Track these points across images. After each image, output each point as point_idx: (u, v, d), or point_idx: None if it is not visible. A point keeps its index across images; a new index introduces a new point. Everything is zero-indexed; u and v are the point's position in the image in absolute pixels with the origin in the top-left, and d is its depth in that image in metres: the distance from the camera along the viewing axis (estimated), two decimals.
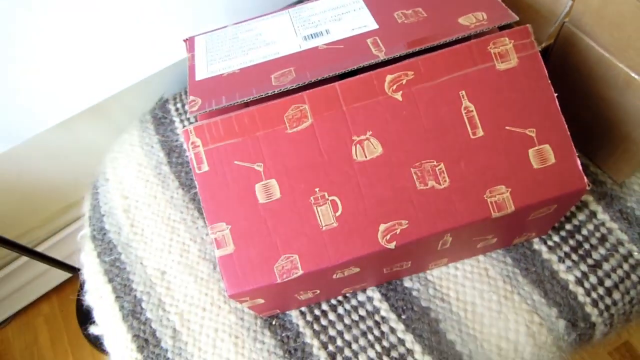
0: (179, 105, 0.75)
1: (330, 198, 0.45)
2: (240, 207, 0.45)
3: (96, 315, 0.62)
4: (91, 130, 0.91)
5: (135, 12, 0.69)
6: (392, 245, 0.44)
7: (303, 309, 0.57)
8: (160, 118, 0.75)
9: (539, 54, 0.46)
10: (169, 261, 0.62)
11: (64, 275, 1.07)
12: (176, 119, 0.74)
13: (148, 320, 0.59)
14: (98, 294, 0.62)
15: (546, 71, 0.46)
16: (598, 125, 0.56)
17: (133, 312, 0.59)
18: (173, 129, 0.73)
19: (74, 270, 0.89)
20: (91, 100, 0.78)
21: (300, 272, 0.44)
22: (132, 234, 0.65)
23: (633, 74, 0.48)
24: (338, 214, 0.44)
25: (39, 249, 0.98)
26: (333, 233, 0.44)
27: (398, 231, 0.44)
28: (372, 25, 0.52)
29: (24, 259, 0.97)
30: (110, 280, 0.62)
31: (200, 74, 0.52)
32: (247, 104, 0.47)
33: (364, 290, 0.58)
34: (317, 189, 0.45)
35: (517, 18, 0.48)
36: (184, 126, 0.73)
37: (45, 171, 0.90)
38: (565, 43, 0.54)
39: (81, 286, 0.65)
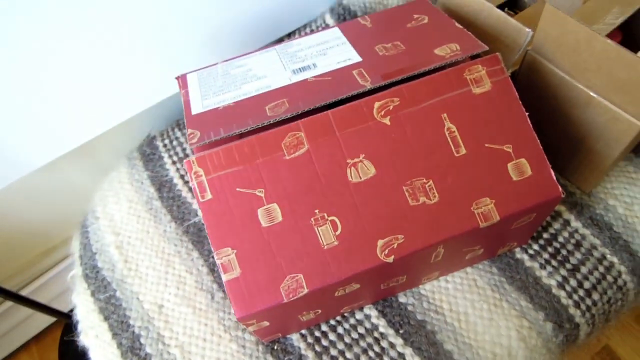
0: (166, 141, 0.77)
1: (330, 218, 0.47)
2: (245, 232, 0.47)
3: (93, 355, 0.61)
4: (76, 171, 0.91)
5: (120, 53, 0.71)
6: (390, 259, 0.47)
7: (304, 331, 0.59)
8: (149, 154, 0.76)
9: (509, 78, 0.51)
10: (165, 294, 0.62)
11: (44, 322, 1.03)
12: (165, 155, 0.75)
13: (148, 355, 0.59)
14: (94, 333, 0.61)
15: (516, 94, 0.51)
16: (564, 141, 0.62)
17: (132, 348, 0.59)
18: (162, 165, 0.74)
19: (59, 314, 0.87)
20: (77, 141, 0.78)
21: (306, 290, 0.46)
22: (127, 270, 0.65)
23: (592, 93, 0.54)
24: (338, 232, 0.47)
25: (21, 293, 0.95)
26: (335, 251, 0.46)
27: (395, 245, 0.47)
28: (356, 58, 0.57)
29: (3, 306, 0.94)
30: (107, 318, 0.62)
31: (196, 108, 0.55)
32: (242, 135, 0.50)
33: (361, 309, 0.60)
34: (316, 211, 0.47)
35: (486, 47, 0.53)
36: (172, 162, 0.74)
37: (27, 214, 0.89)
38: (529, 69, 0.60)
39: (73, 328, 0.64)
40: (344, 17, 0.80)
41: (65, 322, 1.00)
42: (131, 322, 0.61)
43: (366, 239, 0.47)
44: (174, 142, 0.77)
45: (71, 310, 0.94)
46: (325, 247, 0.46)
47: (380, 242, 0.47)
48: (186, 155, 0.75)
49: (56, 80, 0.68)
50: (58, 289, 0.96)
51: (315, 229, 0.47)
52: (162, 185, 0.72)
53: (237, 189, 0.47)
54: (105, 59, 0.70)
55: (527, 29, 0.58)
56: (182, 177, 0.72)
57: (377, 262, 0.46)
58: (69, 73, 0.68)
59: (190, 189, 0.71)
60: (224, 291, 0.62)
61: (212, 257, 0.64)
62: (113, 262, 0.66)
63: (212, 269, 0.63)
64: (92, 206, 0.73)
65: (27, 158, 0.75)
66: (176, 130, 0.78)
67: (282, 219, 0.47)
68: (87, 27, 0.63)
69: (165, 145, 0.77)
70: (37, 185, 0.87)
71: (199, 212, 0.68)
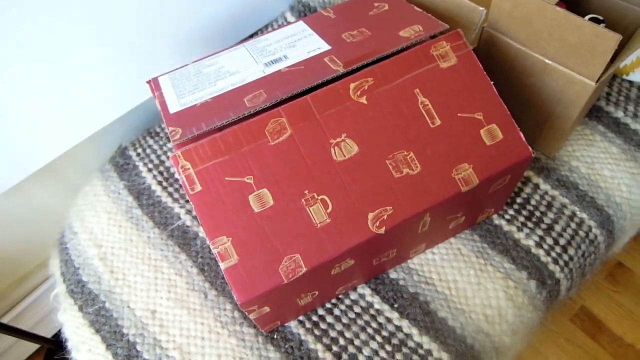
0: (139, 150, 0.76)
1: (320, 197, 0.48)
2: (238, 219, 0.47)
3: None
4: (42, 192, 0.88)
5: (82, 65, 0.69)
6: (382, 230, 0.48)
7: (301, 318, 0.59)
8: (123, 165, 0.75)
9: (472, 51, 0.54)
10: (157, 299, 0.61)
11: (27, 351, 0.99)
12: (139, 164, 0.74)
13: None
14: (86, 348, 0.60)
15: (480, 65, 0.54)
16: (526, 109, 0.66)
17: (129, 356, 0.58)
18: (138, 173, 0.73)
19: (42, 340, 0.83)
20: (41, 161, 0.76)
21: (304, 269, 0.46)
22: (114, 280, 0.63)
23: (547, 60, 0.58)
24: (329, 210, 0.48)
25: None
26: (328, 228, 0.48)
27: (385, 217, 0.49)
28: (325, 47, 0.59)
29: None
30: (98, 331, 0.60)
31: (174, 107, 0.55)
32: (224, 128, 0.50)
33: (355, 289, 0.61)
34: (306, 191, 0.48)
35: (447, 26, 0.57)
36: (148, 169, 0.74)
37: None
38: (487, 44, 0.63)
39: (63, 347, 0.62)
40: (304, 13, 0.82)
41: (48, 348, 0.96)
42: (125, 330, 0.60)
43: (357, 213, 0.48)
44: (147, 150, 0.76)
45: (55, 335, 0.91)
46: (319, 225, 0.48)
47: (370, 215, 0.48)
48: (161, 162, 0.74)
49: (14, 98, 0.65)
50: (38, 314, 0.92)
51: (307, 209, 0.48)
52: (141, 193, 0.71)
53: (226, 178, 0.48)
54: (66, 73, 0.68)
55: (481, 8, 0.62)
56: (159, 183, 0.72)
57: (370, 234, 0.48)
58: (28, 89, 0.66)
59: (169, 194, 0.70)
60: (216, 289, 0.62)
61: (201, 257, 0.64)
62: (98, 274, 0.64)
63: (202, 269, 0.63)
64: (68, 223, 0.72)
65: None
66: (148, 138, 0.78)
67: (273, 203, 0.48)
68: (44, 41, 0.62)
69: (138, 154, 0.76)
70: (3, 211, 0.84)
71: (182, 215, 0.68)
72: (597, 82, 0.55)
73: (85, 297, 0.63)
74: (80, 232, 0.69)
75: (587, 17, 0.62)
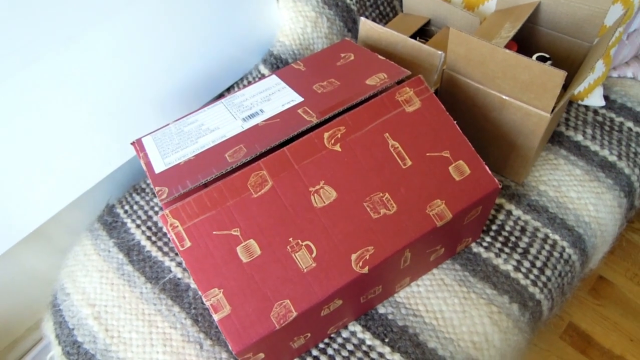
0: (126, 207, 0.78)
1: (304, 243, 0.51)
2: (228, 271, 0.49)
3: None
4: (30, 256, 0.89)
5: (66, 130, 0.71)
6: (365, 270, 0.51)
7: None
8: (111, 223, 0.77)
9: (434, 95, 0.59)
10: (153, 354, 0.62)
11: None
12: (127, 220, 0.76)
13: None
14: None
15: (443, 106, 0.58)
16: (490, 142, 0.70)
17: None
18: (126, 230, 0.75)
19: None
20: (29, 227, 0.77)
21: (295, 313, 0.49)
22: (109, 339, 0.64)
23: (504, 97, 0.63)
24: (314, 255, 0.51)
25: None
26: (314, 272, 0.50)
27: (367, 257, 0.51)
28: (298, 99, 0.63)
29: None
30: None
31: (159, 167, 0.58)
32: (208, 184, 0.53)
33: (346, 327, 0.63)
34: (290, 239, 0.51)
35: (409, 72, 0.61)
36: (136, 225, 0.76)
37: None
38: (448, 84, 0.68)
39: None
40: (277, 65, 0.87)
41: None
42: None
43: (340, 255, 0.51)
44: (135, 207, 0.78)
45: None
46: (305, 270, 0.50)
47: (353, 256, 0.51)
48: (149, 217, 0.76)
49: (2, 167, 0.67)
50: None
51: (293, 255, 0.51)
52: (131, 250, 0.72)
53: (214, 232, 0.50)
54: (51, 138, 0.69)
55: (439, 52, 0.67)
56: (148, 238, 0.73)
57: (355, 275, 0.50)
58: (14, 156, 0.67)
59: (159, 248, 0.72)
60: (211, 339, 0.63)
61: (194, 308, 0.66)
62: (93, 334, 0.65)
63: (196, 320, 0.64)
64: (60, 284, 0.73)
65: None
66: (134, 194, 0.80)
67: (260, 252, 0.50)
68: (28, 108, 0.64)
69: (126, 211, 0.78)
70: None
71: (172, 268, 0.70)
72: (551, 113, 0.60)
73: (81, 357, 0.64)
74: (72, 292, 0.70)
75: (534, 56, 0.68)
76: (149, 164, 0.59)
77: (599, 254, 0.76)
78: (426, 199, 0.54)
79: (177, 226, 0.50)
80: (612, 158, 0.75)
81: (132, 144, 0.65)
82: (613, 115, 0.80)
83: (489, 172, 0.56)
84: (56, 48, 0.61)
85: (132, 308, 0.67)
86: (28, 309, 0.89)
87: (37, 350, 0.87)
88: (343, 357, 0.60)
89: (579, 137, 0.78)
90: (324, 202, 0.53)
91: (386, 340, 0.61)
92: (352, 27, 0.88)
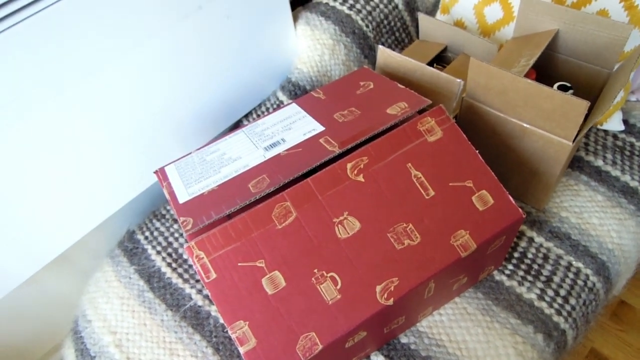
0: (147, 233, 0.79)
1: (329, 275, 0.51)
2: (253, 303, 0.49)
3: None
4: (52, 279, 0.89)
5: (88, 160, 0.72)
6: (390, 302, 0.51)
7: None
8: (132, 249, 0.77)
9: (456, 124, 0.59)
10: None
11: None
12: (148, 247, 0.77)
13: None
14: None
15: (465, 136, 0.58)
16: (511, 169, 0.70)
17: None
18: (147, 257, 0.76)
19: None
20: (55, 252, 0.78)
21: (320, 346, 0.48)
22: None
23: (525, 125, 0.63)
24: (339, 287, 0.51)
25: None
26: (339, 304, 0.50)
27: (392, 288, 0.51)
28: (319, 128, 0.63)
29: None
30: None
31: (182, 197, 0.58)
32: (232, 215, 0.54)
33: (368, 357, 0.62)
34: (315, 270, 0.51)
35: (430, 102, 0.62)
36: (157, 252, 0.76)
37: (5, 334, 0.86)
38: (467, 112, 0.69)
39: None
40: (295, 92, 0.88)
41: None
42: None
43: (365, 287, 0.51)
44: (155, 233, 0.79)
45: None
46: (330, 302, 0.50)
47: (378, 288, 0.51)
48: (169, 244, 0.77)
49: (26, 191, 0.68)
50: None
51: (318, 287, 0.51)
52: (151, 277, 0.73)
53: (239, 264, 0.51)
54: (75, 165, 0.71)
55: (458, 80, 0.68)
56: (169, 265, 0.74)
57: (379, 307, 0.50)
58: (39, 182, 0.68)
59: (179, 275, 0.72)
60: None
61: (215, 336, 0.66)
62: None
63: (217, 349, 0.64)
64: (81, 310, 0.73)
65: (5, 277, 0.74)
66: (154, 221, 0.81)
67: (285, 284, 0.50)
68: (53, 136, 0.65)
69: (146, 238, 0.78)
70: (13, 302, 0.85)
71: (193, 295, 0.70)
72: (573, 141, 0.60)
73: None
74: (94, 319, 0.70)
75: (555, 85, 0.68)
76: (172, 194, 0.60)
77: (622, 280, 0.75)
78: (450, 230, 0.54)
79: (203, 257, 0.51)
80: (634, 183, 0.75)
81: (155, 172, 0.65)
82: (633, 139, 0.80)
83: (513, 201, 0.56)
84: (80, 78, 0.63)
85: (153, 336, 0.67)
86: (47, 332, 0.90)
87: None
88: None
89: (600, 163, 0.77)
90: (348, 233, 0.53)
91: None
92: (368, 53, 0.89)
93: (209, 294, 0.50)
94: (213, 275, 0.50)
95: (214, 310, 0.68)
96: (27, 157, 0.65)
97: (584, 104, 0.54)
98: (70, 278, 0.87)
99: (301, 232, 0.52)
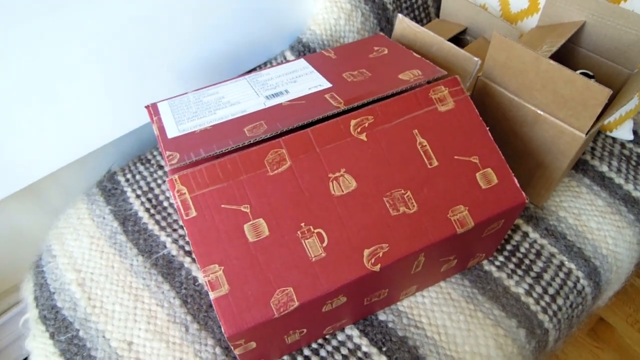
0: (128, 176, 0.75)
1: (316, 230, 0.48)
2: (231, 248, 0.46)
3: None
4: (20, 213, 0.85)
5: (75, 87, 0.68)
6: (377, 268, 0.47)
7: (286, 358, 0.57)
8: (110, 190, 0.73)
9: (469, 98, 0.56)
10: (135, 330, 0.58)
11: None
12: (127, 189, 0.73)
13: None
14: None
15: (477, 111, 0.55)
16: (516, 157, 0.67)
17: None
18: (125, 199, 0.72)
19: None
20: (23, 182, 0.73)
21: (297, 303, 0.45)
22: (90, 308, 0.60)
23: (539, 111, 0.60)
24: (325, 244, 0.47)
25: None
26: (322, 263, 0.47)
27: (381, 254, 0.48)
28: (326, 84, 0.60)
29: None
30: None
31: (172, 133, 0.55)
32: (221, 156, 0.50)
33: (342, 330, 0.59)
34: (302, 224, 0.48)
35: (445, 72, 0.58)
36: (136, 195, 0.72)
37: None
38: (481, 93, 0.66)
39: None
40: (304, 53, 0.84)
41: None
42: None
43: (352, 249, 0.48)
44: (137, 177, 0.75)
45: None
46: (313, 259, 0.47)
47: (366, 252, 0.48)
48: (150, 189, 0.73)
49: (3, 116, 0.63)
50: (1, 343, 0.87)
51: (302, 241, 0.47)
52: (127, 219, 0.69)
53: (222, 206, 0.47)
54: (59, 91, 0.66)
55: (476, 58, 0.65)
56: (147, 210, 0.70)
57: (365, 271, 0.47)
58: (17, 104, 0.63)
59: (156, 222, 0.69)
60: (199, 323, 0.59)
61: (185, 288, 0.62)
62: (74, 301, 0.61)
63: (185, 301, 0.61)
64: (47, 245, 0.69)
65: None
66: (138, 164, 0.77)
67: (268, 234, 0.47)
68: (39, 56, 0.61)
69: (127, 180, 0.74)
70: None
71: (168, 244, 0.66)
72: (586, 134, 0.57)
73: (58, 324, 0.60)
74: (59, 255, 0.66)
75: (578, 72, 0.65)
76: (162, 129, 0.56)
77: (610, 291, 0.73)
78: (449, 203, 0.51)
79: (185, 193, 0.47)
80: (636, 194, 0.72)
81: (147, 107, 0.61)
82: None
83: (517, 184, 0.53)
84: None
85: (119, 279, 0.63)
86: (8, 270, 0.85)
87: (9, 315, 0.83)
88: None
89: (604, 168, 0.75)
90: (342, 191, 0.50)
91: (383, 349, 0.57)
92: (385, 26, 0.86)
93: (183, 233, 0.46)
94: (193, 213, 0.47)
95: (187, 262, 0.64)
96: (7, 70, 0.60)
97: (606, 92, 0.52)
98: (38, 213, 0.83)
99: (293, 182, 0.49)
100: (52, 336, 0.59)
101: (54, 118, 0.69)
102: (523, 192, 0.53)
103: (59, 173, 0.76)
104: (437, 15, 0.91)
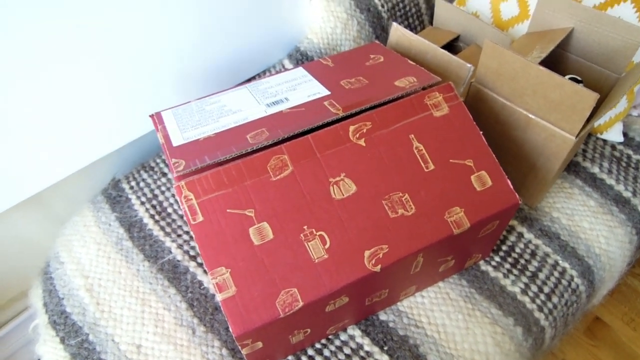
0: (132, 183, 0.77)
1: (318, 233, 0.50)
2: (238, 251, 0.48)
3: None
4: (25, 222, 0.86)
5: (79, 97, 0.69)
6: (377, 268, 0.49)
7: (290, 358, 0.58)
8: (115, 197, 0.75)
9: (463, 103, 0.58)
10: (143, 334, 0.60)
11: None
12: (132, 196, 0.75)
13: None
14: None
15: (470, 115, 0.58)
16: (509, 160, 0.69)
17: None
18: (130, 206, 0.73)
19: None
20: (29, 191, 0.74)
21: (301, 303, 0.47)
22: (99, 312, 0.62)
23: (530, 115, 0.62)
24: (327, 246, 0.49)
25: None
26: (325, 264, 0.49)
27: (381, 255, 0.50)
28: (325, 91, 0.62)
29: None
30: None
31: (177, 141, 0.56)
32: (225, 162, 0.52)
33: (345, 330, 0.61)
34: (305, 227, 0.50)
35: (439, 79, 0.61)
36: (141, 202, 0.74)
37: None
38: (474, 98, 0.68)
39: None
40: (302, 61, 0.86)
41: None
42: None
43: (353, 250, 0.50)
44: (141, 184, 0.76)
45: None
46: (316, 260, 0.49)
47: (367, 253, 0.50)
48: (155, 196, 0.74)
49: (5, 123, 0.63)
50: (11, 347, 0.88)
51: (305, 244, 0.49)
52: (132, 226, 0.71)
53: (228, 210, 0.49)
54: (63, 102, 0.67)
55: (468, 65, 0.67)
56: (152, 216, 0.72)
57: (366, 272, 0.49)
58: (22, 115, 0.64)
59: (161, 228, 0.70)
60: (205, 325, 0.61)
61: (190, 292, 0.64)
62: (83, 306, 0.63)
63: (191, 304, 0.62)
64: (54, 252, 0.70)
65: None
66: (142, 172, 0.78)
67: (273, 237, 0.49)
68: (44, 65, 0.62)
69: (132, 187, 0.76)
70: None
71: (173, 249, 0.68)
72: (576, 136, 0.60)
73: (68, 328, 0.61)
74: (67, 262, 0.68)
75: (566, 77, 0.67)
76: (167, 137, 0.58)
77: (604, 289, 0.75)
78: (445, 205, 0.53)
79: (192, 199, 0.49)
80: (627, 194, 0.75)
81: (151, 116, 0.63)
82: (630, 152, 0.80)
83: (511, 186, 0.55)
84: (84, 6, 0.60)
85: (126, 284, 0.64)
86: (14, 278, 0.86)
87: (19, 320, 0.84)
88: (339, 359, 0.58)
89: (596, 170, 0.77)
90: (343, 195, 0.51)
91: (385, 348, 0.59)
92: (380, 34, 0.88)
93: (189, 238, 0.48)
94: (200, 217, 0.48)
95: (192, 266, 0.66)
96: (10, 80, 0.61)
97: (593, 96, 0.54)
98: (44, 223, 0.84)
99: (295, 186, 0.51)
100: (62, 341, 0.60)
101: (58, 128, 0.70)
102: (516, 194, 0.55)
103: (63, 182, 0.78)
104: (431, 23, 0.93)
